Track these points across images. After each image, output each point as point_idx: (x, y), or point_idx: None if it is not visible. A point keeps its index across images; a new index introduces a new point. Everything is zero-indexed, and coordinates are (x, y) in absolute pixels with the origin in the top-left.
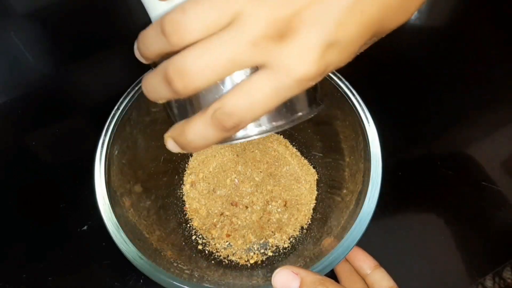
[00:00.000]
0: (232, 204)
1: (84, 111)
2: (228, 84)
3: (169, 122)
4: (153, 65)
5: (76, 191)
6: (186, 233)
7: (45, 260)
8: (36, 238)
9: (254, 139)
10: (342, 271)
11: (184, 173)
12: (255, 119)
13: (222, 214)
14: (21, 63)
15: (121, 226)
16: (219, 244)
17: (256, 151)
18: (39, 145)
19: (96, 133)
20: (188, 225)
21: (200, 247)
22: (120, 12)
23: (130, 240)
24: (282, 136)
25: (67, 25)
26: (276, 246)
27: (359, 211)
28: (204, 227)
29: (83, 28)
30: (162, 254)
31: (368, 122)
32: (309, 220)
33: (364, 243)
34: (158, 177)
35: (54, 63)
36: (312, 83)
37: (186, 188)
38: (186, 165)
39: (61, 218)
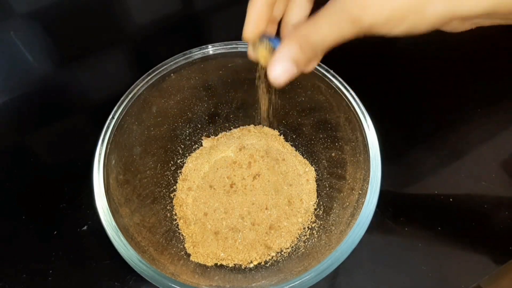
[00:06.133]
0: (227, 213)
1: (84, 111)
2: None
3: (163, 129)
4: None
5: (76, 191)
6: (182, 238)
7: (45, 260)
8: (36, 238)
9: None
10: None
11: (178, 179)
12: None
13: (220, 224)
14: (21, 63)
15: (121, 232)
16: (218, 252)
17: (254, 152)
18: (39, 145)
19: (96, 133)
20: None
21: (200, 251)
22: (120, 12)
23: (130, 244)
24: (282, 137)
25: (67, 25)
26: (279, 247)
27: (360, 211)
28: (202, 237)
29: (83, 28)
30: (161, 258)
31: (368, 126)
32: (311, 221)
33: (365, 242)
34: (154, 184)
35: (54, 63)
36: None
37: (181, 196)
38: (182, 170)
39: (61, 218)
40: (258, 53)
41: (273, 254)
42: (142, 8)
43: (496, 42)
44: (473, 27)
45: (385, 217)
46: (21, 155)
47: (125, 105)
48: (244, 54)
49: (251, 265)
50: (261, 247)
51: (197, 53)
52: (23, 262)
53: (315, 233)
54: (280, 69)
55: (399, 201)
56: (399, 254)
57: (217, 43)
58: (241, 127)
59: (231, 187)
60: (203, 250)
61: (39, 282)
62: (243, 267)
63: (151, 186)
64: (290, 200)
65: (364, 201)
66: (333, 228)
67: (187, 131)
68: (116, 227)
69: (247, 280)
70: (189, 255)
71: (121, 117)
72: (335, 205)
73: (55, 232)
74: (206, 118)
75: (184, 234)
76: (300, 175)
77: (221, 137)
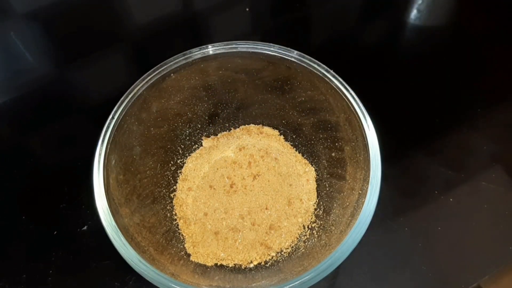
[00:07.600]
0: (227, 213)
1: (83, 111)
2: None
3: (163, 129)
4: None
5: (76, 191)
6: (182, 238)
7: (45, 260)
8: (36, 238)
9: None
10: None
11: (178, 179)
12: None
13: (220, 224)
14: (21, 63)
15: (121, 232)
16: (218, 252)
17: (254, 152)
18: (39, 145)
19: (96, 133)
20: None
21: (200, 251)
22: (120, 12)
23: (130, 244)
24: (282, 137)
25: (67, 25)
26: (279, 247)
27: (360, 211)
28: (202, 237)
29: (83, 27)
30: (161, 258)
31: (368, 126)
32: (311, 221)
33: (365, 242)
34: (154, 184)
35: (54, 63)
36: None
37: (181, 196)
38: (182, 170)
39: (61, 218)
40: None
41: (273, 254)
42: (142, 8)
43: (496, 43)
44: None
45: (385, 217)
46: (21, 155)
47: (125, 105)
48: (244, 54)
49: (251, 265)
50: (261, 247)
51: (197, 53)
52: (23, 262)
53: (315, 233)
54: None
55: (399, 201)
56: (399, 254)
57: (217, 43)
58: (241, 127)
59: (231, 187)
60: (203, 250)
61: (39, 282)
62: (243, 267)
63: (151, 186)
64: (290, 200)
65: (364, 201)
66: (333, 228)
67: (187, 131)
68: (116, 227)
69: (247, 280)
70: (189, 255)
71: (121, 117)
72: (335, 205)
73: (55, 232)
74: (206, 118)
75: (184, 234)
76: (300, 175)
77: (221, 137)
